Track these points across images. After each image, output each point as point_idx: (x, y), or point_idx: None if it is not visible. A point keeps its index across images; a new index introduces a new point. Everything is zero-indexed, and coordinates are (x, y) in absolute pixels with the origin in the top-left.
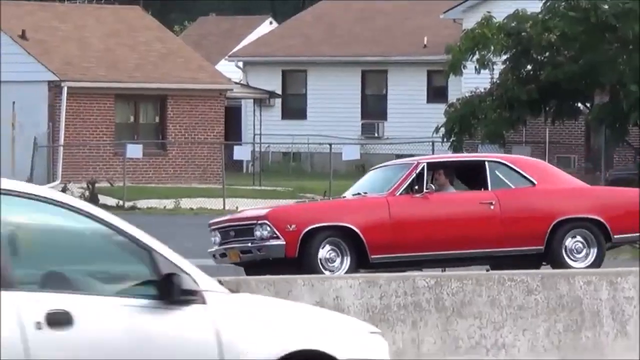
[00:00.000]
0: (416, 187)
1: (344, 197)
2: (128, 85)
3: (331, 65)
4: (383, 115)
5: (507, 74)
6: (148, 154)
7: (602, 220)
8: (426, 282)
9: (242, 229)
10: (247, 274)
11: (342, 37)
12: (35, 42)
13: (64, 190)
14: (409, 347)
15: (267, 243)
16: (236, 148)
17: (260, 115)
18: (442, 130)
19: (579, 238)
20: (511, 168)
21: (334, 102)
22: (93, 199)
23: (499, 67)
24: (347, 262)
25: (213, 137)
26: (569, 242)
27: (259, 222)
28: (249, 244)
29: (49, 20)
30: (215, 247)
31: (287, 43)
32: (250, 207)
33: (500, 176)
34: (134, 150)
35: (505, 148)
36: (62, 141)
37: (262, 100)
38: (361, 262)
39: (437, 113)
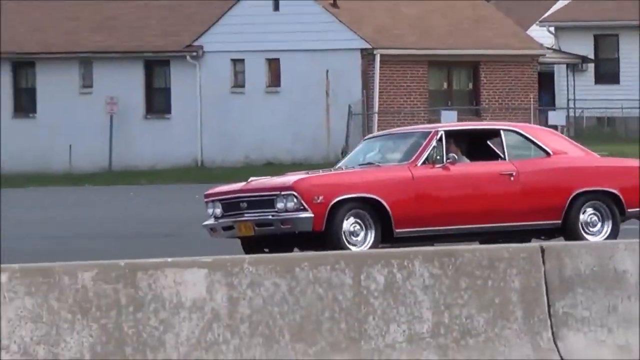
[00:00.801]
0: (437, 157)
1: (347, 167)
2: (441, 52)
3: None
4: None
5: None
6: (462, 120)
7: (617, 193)
8: None
9: (260, 200)
10: (248, 250)
11: None
12: (345, 10)
13: None
14: None
15: (294, 215)
16: (550, 113)
17: (574, 80)
18: None
19: (594, 211)
20: (525, 137)
21: None
22: None
23: None
24: (372, 236)
25: (527, 103)
26: (584, 215)
27: (284, 192)
28: (270, 216)
29: None
30: (214, 220)
31: (599, 7)
32: (260, 177)
33: (516, 146)
34: (449, 117)
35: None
36: (376, 108)
37: (575, 65)
38: (385, 236)
39: None
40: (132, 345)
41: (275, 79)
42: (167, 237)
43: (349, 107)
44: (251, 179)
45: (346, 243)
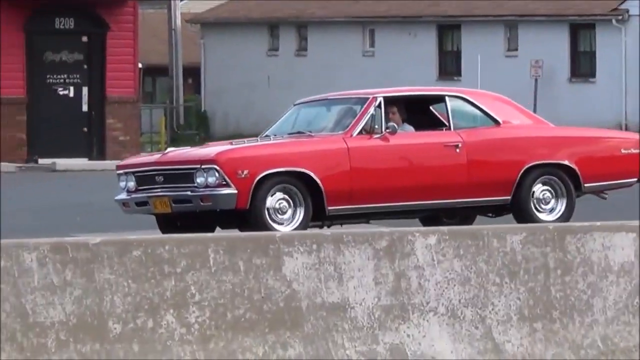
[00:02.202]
0: (375, 127)
1: (274, 136)
2: None
3: None
4: None
5: None
6: None
7: (573, 166)
8: None
9: (177, 174)
10: (164, 229)
11: None
12: None
13: None
14: None
15: (215, 192)
16: None
17: None
18: None
19: (546, 187)
20: (472, 103)
21: None
22: None
23: None
24: (301, 214)
25: None
26: (536, 192)
27: (204, 166)
28: (189, 192)
29: None
30: (126, 194)
31: None
32: (179, 147)
33: (462, 114)
34: None
35: None
36: None
37: None
38: (315, 213)
39: None
40: (559, 309)
41: None
42: None
43: None
44: (169, 149)
45: (269, 222)
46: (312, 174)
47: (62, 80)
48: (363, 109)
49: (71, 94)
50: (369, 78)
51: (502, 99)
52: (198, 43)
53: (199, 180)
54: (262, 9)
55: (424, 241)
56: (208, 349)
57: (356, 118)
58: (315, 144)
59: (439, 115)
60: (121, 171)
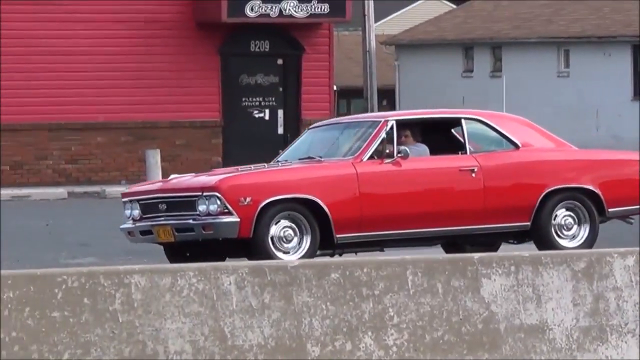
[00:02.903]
0: (387, 151)
1: (284, 162)
2: None
3: None
4: None
5: None
6: None
7: (597, 191)
8: None
9: (179, 202)
10: (172, 259)
11: None
12: None
13: None
14: None
15: (217, 220)
16: None
17: None
18: None
19: (568, 212)
20: (490, 126)
21: None
22: None
23: None
24: (307, 242)
25: None
26: (558, 217)
27: (206, 193)
28: (191, 220)
29: None
30: (131, 223)
31: None
32: (182, 174)
33: (479, 137)
34: None
35: None
36: None
37: None
38: (323, 242)
39: None
40: None
41: None
42: None
43: None
44: (172, 176)
45: (273, 251)
46: (318, 201)
47: (257, 103)
48: (374, 133)
49: (267, 117)
50: (564, 98)
51: (523, 121)
52: (393, 65)
53: (201, 208)
54: (457, 30)
55: (622, 262)
56: None
57: (367, 142)
58: (323, 170)
59: (458, 139)
60: (126, 199)
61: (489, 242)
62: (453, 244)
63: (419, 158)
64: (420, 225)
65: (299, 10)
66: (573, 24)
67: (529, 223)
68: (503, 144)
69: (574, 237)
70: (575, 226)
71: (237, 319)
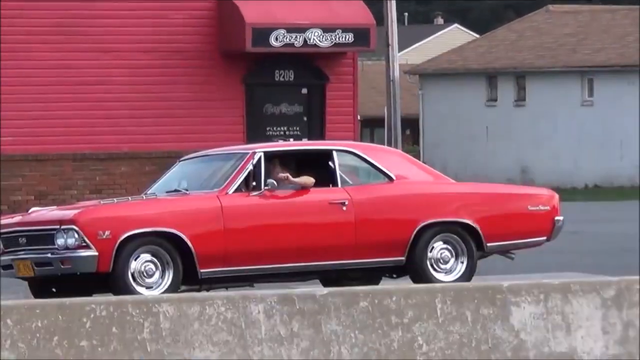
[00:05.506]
0: (253, 184)
1: (150, 194)
2: None
3: None
4: None
5: None
6: None
7: (474, 225)
8: None
9: (38, 235)
10: (37, 294)
11: None
12: None
13: None
14: None
15: (75, 254)
16: None
17: None
18: None
19: (445, 245)
20: (363, 159)
21: None
22: None
23: None
24: (169, 277)
25: None
26: (435, 249)
27: (64, 226)
28: (49, 254)
29: None
30: None
31: None
32: (43, 207)
33: (352, 169)
34: None
35: None
36: None
37: None
38: (187, 276)
39: None
40: None
41: None
42: None
43: None
44: (32, 209)
45: (134, 286)
46: (181, 235)
47: (281, 132)
48: (241, 165)
49: None
50: (587, 127)
51: (399, 154)
52: (417, 94)
53: (59, 241)
54: (481, 59)
55: None
56: None
57: (232, 175)
58: (186, 202)
59: (329, 171)
60: None
61: (366, 277)
62: (329, 279)
63: (287, 191)
64: (289, 260)
65: (324, 39)
66: (597, 53)
67: (403, 258)
68: (377, 176)
69: (450, 271)
70: (452, 260)
71: (265, 348)
